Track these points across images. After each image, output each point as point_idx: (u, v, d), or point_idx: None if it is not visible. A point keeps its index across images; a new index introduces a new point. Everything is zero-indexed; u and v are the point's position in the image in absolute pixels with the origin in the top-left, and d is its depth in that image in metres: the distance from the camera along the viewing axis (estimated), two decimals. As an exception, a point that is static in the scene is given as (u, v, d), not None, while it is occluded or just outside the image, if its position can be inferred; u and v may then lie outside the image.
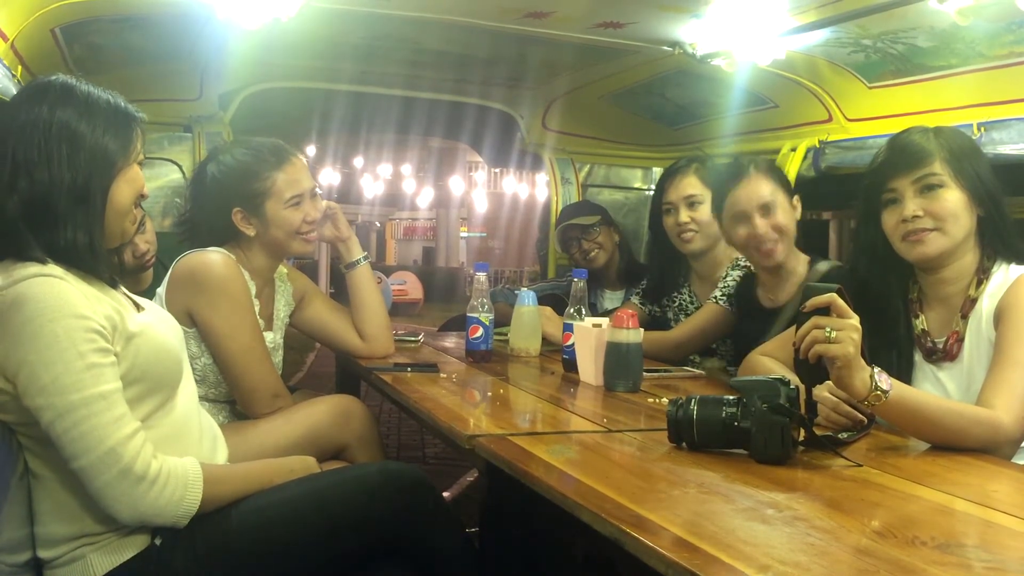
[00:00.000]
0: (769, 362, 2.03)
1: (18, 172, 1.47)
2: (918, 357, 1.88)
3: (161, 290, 2.15)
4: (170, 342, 1.64)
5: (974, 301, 1.81)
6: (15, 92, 2.14)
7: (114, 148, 1.54)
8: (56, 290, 1.42)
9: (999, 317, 1.74)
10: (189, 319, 2.10)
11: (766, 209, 2.43)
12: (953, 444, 1.61)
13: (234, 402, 2.20)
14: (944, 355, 1.84)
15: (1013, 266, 1.81)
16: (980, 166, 1.84)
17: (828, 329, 1.52)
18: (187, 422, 1.65)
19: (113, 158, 1.54)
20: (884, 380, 1.56)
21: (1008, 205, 1.85)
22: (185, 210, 2.37)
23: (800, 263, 2.50)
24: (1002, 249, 1.83)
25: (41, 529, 1.51)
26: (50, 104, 1.51)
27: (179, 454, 1.55)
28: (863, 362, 1.55)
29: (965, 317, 1.81)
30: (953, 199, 1.78)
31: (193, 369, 2.07)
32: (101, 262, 1.53)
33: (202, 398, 2.09)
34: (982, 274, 1.82)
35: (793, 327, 2.09)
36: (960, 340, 1.82)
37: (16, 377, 1.41)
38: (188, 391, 1.70)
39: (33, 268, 1.44)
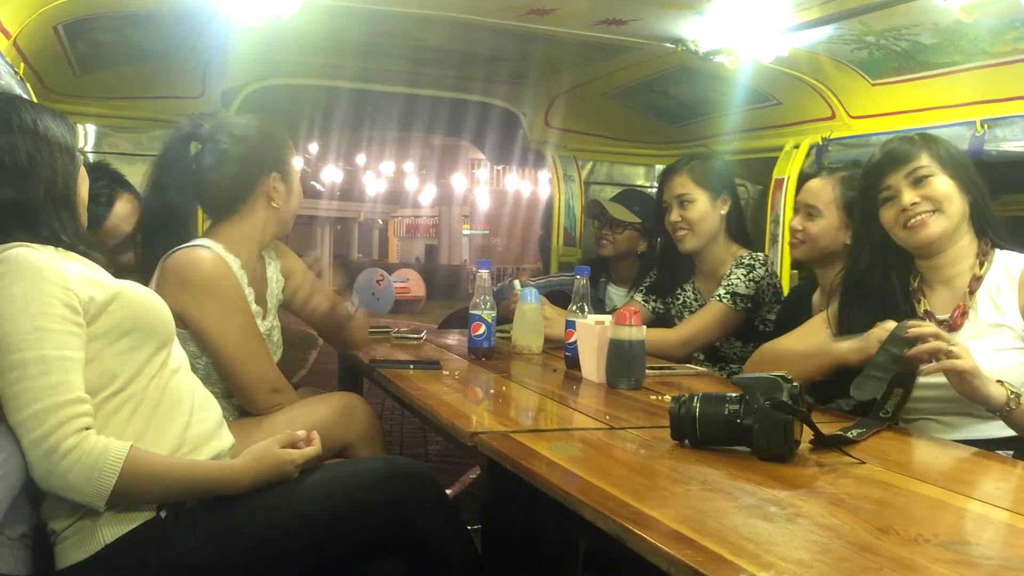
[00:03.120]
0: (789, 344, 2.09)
1: None
2: None
3: (152, 286, 2.13)
4: (153, 299, 1.70)
5: (980, 279, 1.91)
6: (18, 90, 2.15)
7: (74, 152, 1.66)
8: (27, 256, 1.50)
9: None
10: (180, 320, 2.09)
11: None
12: None
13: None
14: (950, 327, 1.90)
15: (1008, 254, 1.92)
16: (963, 159, 1.99)
17: (951, 343, 1.66)
18: (178, 393, 1.67)
19: (76, 162, 1.66)
20: (1012, 385, 1.67)
21: (991, 197, 1.97)
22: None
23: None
24: (992, 236, 1.94)
25: (51, 500, 1.54)
26: (18, 117, 1.60)
27: (165, 422, 1.60)
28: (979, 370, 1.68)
29: (972, 293, 1.91)
30: (944, 184, 1.91)
31: (195, 368, 2.07)
32: (78, 245, 1.63)
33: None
34: (983, 257, 1.93)
35: (812, 320, 2.14)
36: (965, 314, 1.90)
37: None
38: (180, 364, 1.72)
39: (11, 244, 1.54)
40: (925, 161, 1.91)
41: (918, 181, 1.91)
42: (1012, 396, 1.67)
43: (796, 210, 2.56)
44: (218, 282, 2.09)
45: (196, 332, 2.09)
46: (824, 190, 2.44)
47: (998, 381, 1.69)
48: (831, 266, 2.46)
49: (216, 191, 2.21)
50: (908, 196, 1.90)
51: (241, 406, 2.19)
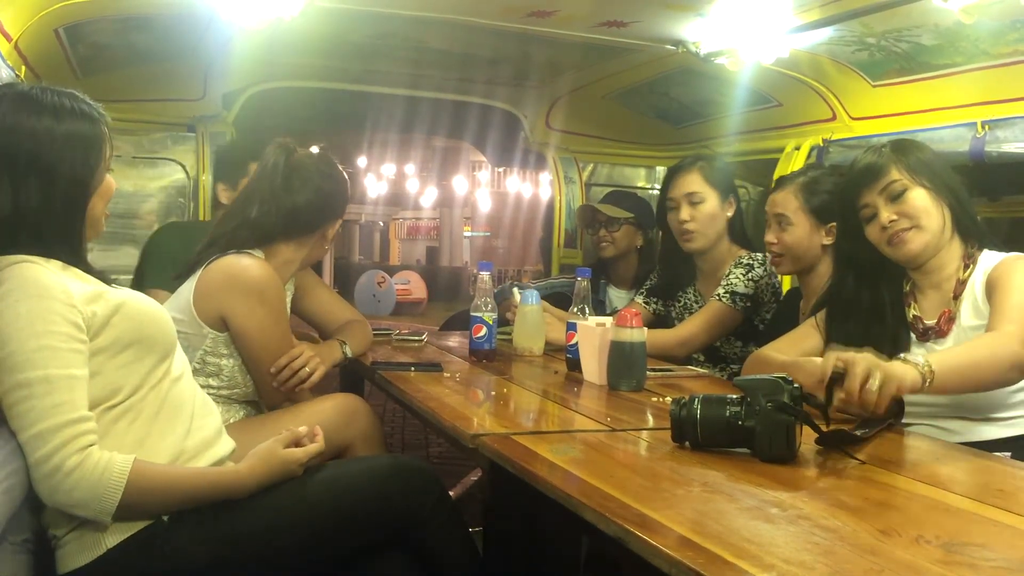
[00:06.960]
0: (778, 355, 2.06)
1: None
2: (914, 340, 1.97)
3: (187, 289, 2.14)
4: (156, 309, 1.68)
5: (964, 283, 1.92)
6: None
7: (84, 173, 1.58)
8: (32, 274, 1.50)
9: (991, 289, 1.84)
10: (222, 322, 2.11)
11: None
12: (995, 376, 1.72)
13: (256, 401, 2.24)
14: (936, 332, 1.93)
15: (991, 255, 1.92)
16: (936, 164, 1.98)
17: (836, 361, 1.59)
18: (179, 401, 1.66)
19: (87, 182, 1.58)
20: (913, 356, 1.62)
21: (969, 195, 1.99)
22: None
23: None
24: (974, 237, 1.95)
25: (52, 508, 1.54)
26: (13, 121, 1.54)
27: (165, 429, 1.60)
28: (889, 367, 1.58)
29: (957, 298, 1.92)
30: (919, 197, 1.93)
31: (220, 371, 2.14)
32: (81, 260, 1.61)
33: (227, 399, 2.16)
34: (968, 260, 1.94)
35: (803, 325, 2.14)
36: (951, 319, 1.92)
37: None
38: (182, 372, 1.71)
39: (16, 257, 1.52)
40: (896, 175, 1.93)
41: (893, 197, 1.93)
42: (922, 366, 1.59)
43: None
44: (269, 290, 2.13)
45: (238, 334, 2.12)
46: (788, 198, 2.45)
47: (898, 359, 1.61)
48: (812, 271, 2.47)
49: (289, 213, 2.22)
50: (886, 214, 1.93)
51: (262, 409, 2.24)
